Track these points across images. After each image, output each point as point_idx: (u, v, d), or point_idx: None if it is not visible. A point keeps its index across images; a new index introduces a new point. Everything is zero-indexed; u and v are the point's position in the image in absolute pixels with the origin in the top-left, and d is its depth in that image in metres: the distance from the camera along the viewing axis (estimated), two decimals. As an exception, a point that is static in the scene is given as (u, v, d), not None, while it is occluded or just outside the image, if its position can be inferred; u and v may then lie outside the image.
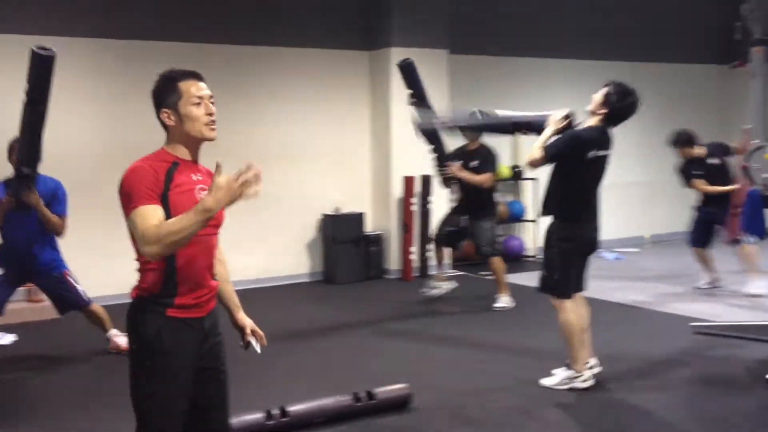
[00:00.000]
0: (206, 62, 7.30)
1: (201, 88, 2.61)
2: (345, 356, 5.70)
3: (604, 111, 4.56)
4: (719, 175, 7.30)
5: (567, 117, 4.68)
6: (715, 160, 7.39)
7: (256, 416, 4.06)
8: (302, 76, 8.57)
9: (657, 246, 10.67)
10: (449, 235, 7.37)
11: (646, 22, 10.72)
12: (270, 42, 8.35)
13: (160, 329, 2.53)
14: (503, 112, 5.26)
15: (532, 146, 4.61)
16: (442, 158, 7.17)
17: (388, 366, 5.38)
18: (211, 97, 2.63)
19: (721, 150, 7.43)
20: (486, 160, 7.07)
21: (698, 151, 7.42)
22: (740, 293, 7.34)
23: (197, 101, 2.59)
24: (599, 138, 4.60)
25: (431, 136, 6.95)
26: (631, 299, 7.33)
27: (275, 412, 4.11)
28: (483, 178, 7.00)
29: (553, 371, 4.87)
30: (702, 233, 7.57)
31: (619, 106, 4.53)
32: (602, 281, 8.10)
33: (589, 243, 4.75)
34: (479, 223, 7.13)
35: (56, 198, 5.30)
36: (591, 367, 4.80)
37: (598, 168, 4.67)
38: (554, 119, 4.66)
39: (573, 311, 4.70)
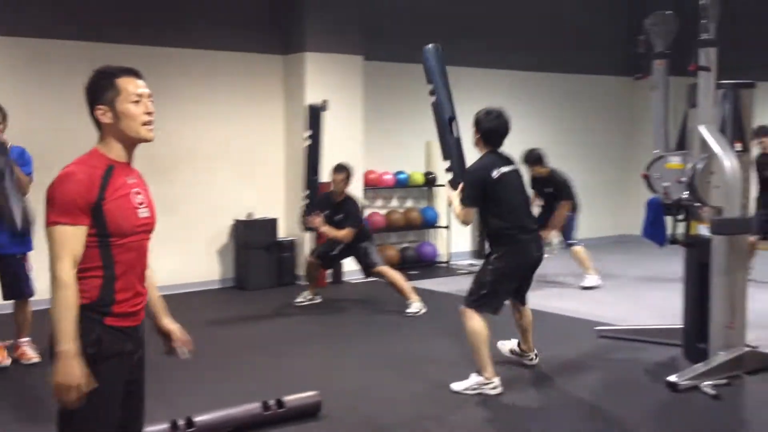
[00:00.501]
0: (118, 63, 7.09)
1: (140, 86, 2.53)
2: (255, 364, 5.62)
3: (478, 136, 4.89)
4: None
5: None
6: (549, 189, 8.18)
7: (161, 427, 3.96)
8: (215, 79, 8.43)
9: (565, 252, 10.91)
10: (329, 258, 7.50)
11: (557, 34, 10.98)
12: (183, 44, 8.19)
13: (99, 338, 2.44)
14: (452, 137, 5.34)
15: (456, 210, 4.88)
16: (311, 207, 7.28)
17: (299, 373, 5.34)
18: (150, 96, 2.56)
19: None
20: (350, 215, 7.19)
21: (545, 170, 8.14)
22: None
23: (136, 99, 2.51)
24: (493, 160, 4.84)
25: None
26: (539, 304, 7.46)
27: (181, 422, 4.02)
28: (343, 234, 7.13)
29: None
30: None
31: (487, 123, 4.84)
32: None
33: (530, 262, 4.92)
34: (357, 247, 7.29)
35: (23, 159, 5.44)
36: (531, 359, 5.33)
37: (510, 183, 4.85)
38: (453, 195, 4.94)
39: (478, 321, 4.75)
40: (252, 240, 8.40)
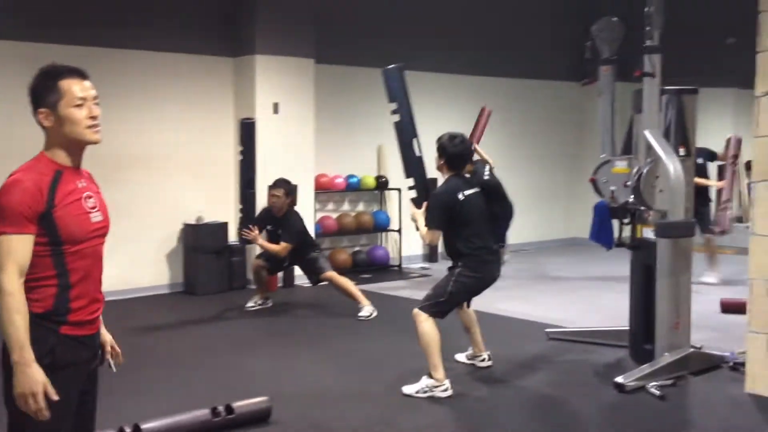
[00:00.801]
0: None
1: (85, 88, 2.46)
2: (204, 370, 5.56)
3: (442, 161, 5.00)
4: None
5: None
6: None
7: (108, 435, 3.89)
8: (164, 82, 8.34)
9: (515, 255, 11.03)
10: (276, 261, 7.44)
11: (507, 39, 11.09)
12: (132, 45, 8.07)
13: (54, 348, 2.38)
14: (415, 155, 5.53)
15: (420, 233, 5.02)
16: (246, 220, 7.30)
17: (249, 379, 5.30)
18: (95, 98, 2.48)
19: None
20: (287, 230, 7.19)
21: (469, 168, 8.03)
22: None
23: (79, 102, 2.43)
24: (458, 183, 4.96)
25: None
26: (489, 307, 7.53)
27: (128, 430, 3.96)
28: (279, 248, 7.13)
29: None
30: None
31: (452, 148, 4.96)
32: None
33: (490, 281, 5.03)
34: (304, 259, 7.32)
35: None
36: (483, 360, 5.41)
37: (475, 205, 4.95)
38: (415, 215, 5.10)
39: (432, 323, 4.82)
40: (202, 244, 8.31)
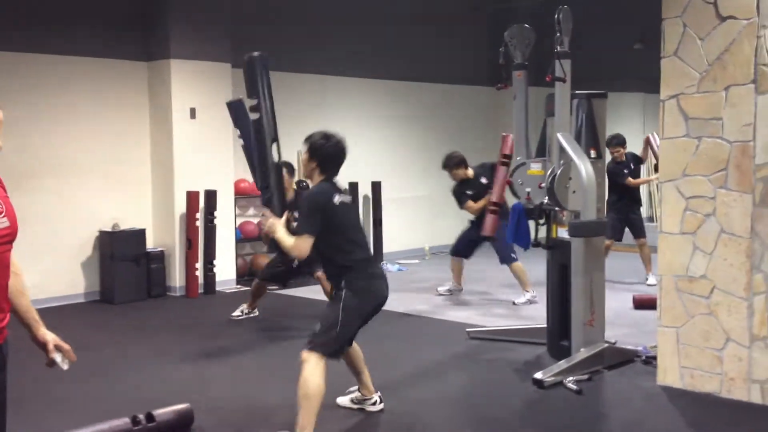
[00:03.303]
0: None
1: None
2: (124, 379, 5.45)
3: (314, 163, 4.28)
4: (487, 193, 7.71)
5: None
6: (483, 180, 7.86)
7: (23, 449, 3.78)
8: (77, 87, 8.13)
9: (436, 257, 11.18)
10: (280, 274, 7.22)
11: (424, 44, 11.23)
12: (43, 49, 7.85)
13: None
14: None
15: (285, 243, 4.18)
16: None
17: (171, 388, 5.21)
18: None
19: (488, 170, 7.91)
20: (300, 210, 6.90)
21: (468, 172, 7.92)
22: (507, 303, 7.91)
23: None
24: (331, 188, 4.26)
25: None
26: (411, 308, 7.62)
27: (45, 443, 3.86)
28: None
29: (340, 401, 4.74)
30: (465, 247, 8.11)
31: (327, 146, 4.26)
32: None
33: (381, 299, 4.30)
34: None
35: None
36: (374, 403, 4.65)
37: (352, 213, 4.44)
38: (272, 228, 4.29)
39: (320, 370, 4.07)
40: (119, 251, 8.14)
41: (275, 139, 4.58)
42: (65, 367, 2.66)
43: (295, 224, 4.37)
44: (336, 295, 4.24)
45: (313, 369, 4.04)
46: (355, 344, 4.54)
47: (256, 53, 4.62)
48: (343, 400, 4.74)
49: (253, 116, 4.59)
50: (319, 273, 7.01)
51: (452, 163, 7.93)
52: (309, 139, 4.32)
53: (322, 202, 4.17)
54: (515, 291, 8.01)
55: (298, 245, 4.11)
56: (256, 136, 4.59)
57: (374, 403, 4.67)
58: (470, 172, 7.99)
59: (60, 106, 8.02)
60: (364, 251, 4.33)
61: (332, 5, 10.01)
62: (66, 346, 2.68)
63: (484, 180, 7.86)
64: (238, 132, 4.76)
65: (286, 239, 4.18)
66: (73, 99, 8.10)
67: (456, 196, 8.02)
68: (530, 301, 7.72)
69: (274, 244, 6.93)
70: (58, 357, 2.65)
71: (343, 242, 4.22)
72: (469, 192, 7.89)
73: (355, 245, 4.25)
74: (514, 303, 7.81)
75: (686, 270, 4.91)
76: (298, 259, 4.20)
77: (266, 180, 4.47)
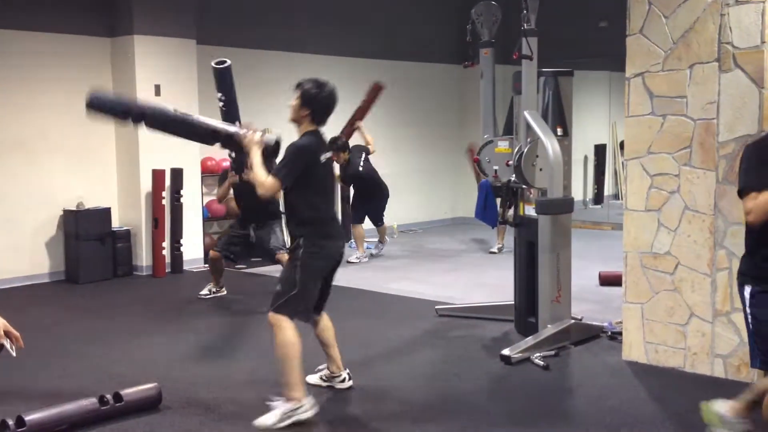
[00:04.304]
0: None
1: None
2: (90, 359, 5.40)
3: (307, 112, 4.23)
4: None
5: (271, 146, 4.35)
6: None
7: (-12, 431, 3.75)
8: (38, 62, 7.97)
9: (404, 236, 11.20)
10: (239, 251, 7.22)
11: (390, 22, 11.20)
12: (3, 25, 7.68)
13: None
14: (197, 117, 4.74)
15: (256, 175, 4.13)
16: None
17: (138, 366, 5.18)
18: None
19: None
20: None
21: (344, 156, 8.74)
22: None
23: None
24: (319, 143, 4.30)
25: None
26: (380, 286, 7.64)
27: (10, 422, 3.81)
28: (270, 181, 6.82)
29: (309, 379, 4.64)
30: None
31: (321, 97, 4.22)
32: (354, 271, 8.38)
33: (337, 257, 4.36)
34: (269, 228, 7.07)
35: None
36: (343, 380, 4.64)
37: (330, 172, 4.43)
38: (253, 141, 4.25)
39: (293, 331, 4.14)
40: (83, 231, 8.03)
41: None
42: (14, 353, 2.62)
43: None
44: (292, 254, 4.26)
45: (283, 331, 4.09)
46: (326, 317, 4.56)
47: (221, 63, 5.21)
48: (313, 378, 4.72)
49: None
50: (280, 255, 7.02)
51: (338, 147, 8.59)
52: (301, 87, 4.25)
53: (309, 157, 4.17)
54: (482, 266, 8.06)
55: (268, 184, 4.08)
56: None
57: (343, 380, 4.66)
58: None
59: (21, 83, 7.87)
60: (329, 211, 4.36)
61: (299, -19, 9.92)
62: (15, 333, 2.64)
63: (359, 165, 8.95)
64: (219, 95, 4.92)
65: (260, 169, 4.12)
66: (34, 76, 7.94)
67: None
68: (359, 259, 8.86)
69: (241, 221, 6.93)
70: (6, 343, 2.61)
71: (312, 198, 4.23)
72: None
73: (322, 203, 4.28)
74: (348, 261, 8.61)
75: (651, 247, 4.98)
76: (262, 195, 4.15)
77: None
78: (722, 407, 3.70)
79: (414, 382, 4.88)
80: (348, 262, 8.63)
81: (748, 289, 3.22)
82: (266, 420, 4.10)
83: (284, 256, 6.88)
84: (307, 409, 4.15)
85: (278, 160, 4.32)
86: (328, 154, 4.37)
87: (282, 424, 4.08)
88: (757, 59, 4.46)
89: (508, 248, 8.54)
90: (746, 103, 4.52)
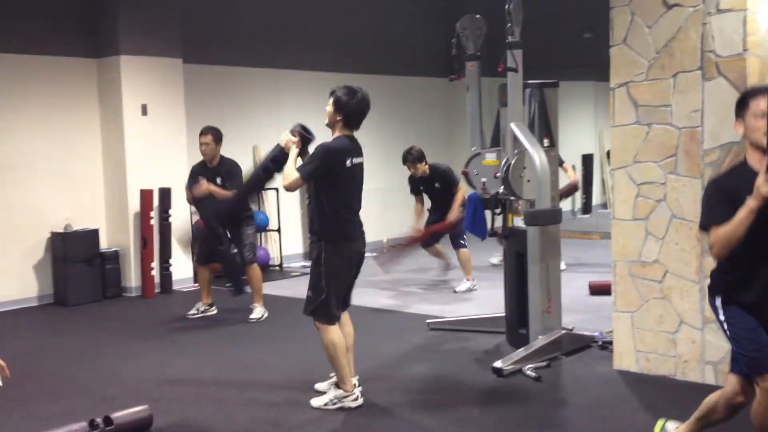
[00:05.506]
0: None
1: None
2: (80, 382, 5.36)
3: (340, 117, 4.47)
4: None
5: (300, 132, 4.67)
6: (437, 184, 8.12)
7: (-23, 457, 3.71)
8: (24, 85, 7.94)
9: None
10: (216, 253, 7.12)
11: (378, 37, 11.23)
12: (-14, 47, 7.69)
13: None
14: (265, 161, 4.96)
15: (288, 167, 4.48)
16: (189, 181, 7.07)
17: (128, 388, 5.14)
18: None
19: (440, 175, 8.19)
20: (231, 175, 6.93)
21: (426, 168, 8.08)
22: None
23: None
24: (351, 145, 4.52)
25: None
26: (371, 302, 7.62)
27: (-1, 450, 3.78)
28: (232, 194, 6.74)
29: (318, 386, 4.85)
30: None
31: (353, 104, 4.45)
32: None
33: (357, 257, 4.61)
34: (241, 231, 7.00)
35: None
36: (355, 386, 4.75)
37: (357, 176, 4.59)
38: (289, 140, 4.62)
39: (335, 332, 4.51)
40: (72, 253, 7.99)
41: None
42: (0, 382, 2.60)
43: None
44: (317, 256, 4.52)
45: (326, 333, 4.48)
46: (350, 323, 4.78)
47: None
48: (322, 385, 4.85)
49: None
50: (255, 266, 7.02)
51: (413, 158, 8.04)
52: (334, 93, 4.51)
53: (334, 159, 4.42)
54: (476, 279, 8.05)
55: (291, 178, 4.42)
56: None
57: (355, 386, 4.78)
58: (427, 168, 8.09)
59: (7, 105, 7.85)
60: (351, 214, 4.55)
61: (283, -2, 9.95)
62: (1, 362, 2.62)
63: (437, 185, 8.09)
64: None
65: (292, 165, 4.49)
66: (20, 98, 7.93)
67: (412, 184, 8.31)
68: (470, 289, 7.90)
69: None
70: None
71: (335, 200, 4.46)
72: (422, 188, 8.17)
73: (344, 206, 4.49)
74: (455, 291, 7.96)
75: (639, 255, 4.99)
76: (285, 188, 4.49)
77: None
78: (672, 428, 3.75)
79: (406, 396, 4.86)
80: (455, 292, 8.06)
81: (718, 300, 3.31)
82: (318, 401, 4.61)
83: (256, 270, 7.02)
84: (355, 398, 4.59)
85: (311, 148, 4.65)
86: (360, 159, 4.57)
87: (330, 407, 4.56)
88: (740, 67, 4.50)
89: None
90: (730, 110, 4.51)
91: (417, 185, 8.25)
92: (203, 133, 7.05)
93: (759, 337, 3.17)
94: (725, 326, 3.29)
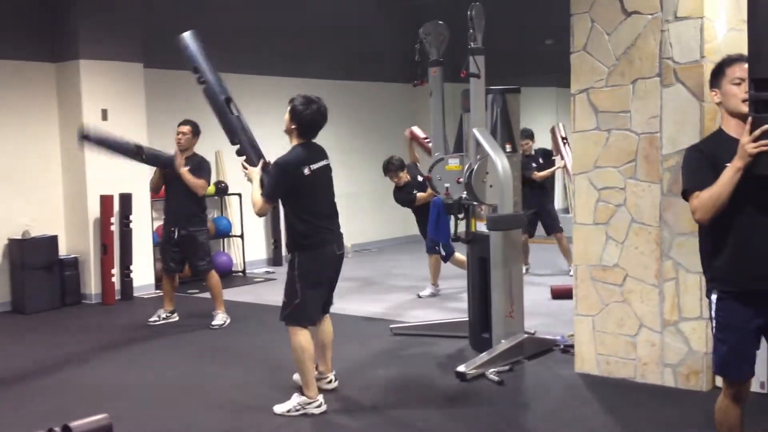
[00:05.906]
0: None
1: None
2: (38, 391, 5.27)
3: (294, 126, 4.56)
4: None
5: (263, 163, 4.76)
6: (420, 177, 7.98)
7: (-70, 469, 3.62)
8: (-21, 89, 7.83)
9: (358, 255, 11.19)
10: (176, 261, 7.07)
11: (342, 43, 11.22)
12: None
13: None
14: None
15: (254, 195, 4.56)
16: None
17: (89, 397, 5.07)
18: None
19: (413, 168, 8.12)
20: (201, 168, 6.89)
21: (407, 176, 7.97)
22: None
23: None
24: (307, 153, 4.56)
25: None
26: (334, 307, 7.57)
27: (-47, 462, 3.70)
28: (200, 182, 6.80)
29: (296, 377, 4.85)
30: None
31: (307, 114, 4.52)
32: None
33: (333, 261, 4.67)
34: (195, 237, 6.95)
35: None
36: (330, 381, 4.95)
37: (321, 181, 4.62)
38: (254, 173, 4.68)
39: (305, 335, 4.55)
40: (29, 260, 7.86)
41: (229, 98, 5.09)
42: None
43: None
44: (290, 263, 4.58)
45: (295, 337, 4.52)
46: (329, 321, 4.91)
47: (186, 32, 5.31)
48: (297, 377, 4.88)
49: (202, 86, 5.19)
50: (213, 273, 6.98)
51: (394, 167, 7.95)
52: (292, 102, 4.58)
53: (290, 171, 4.46)
54: (440, 284, 8.07)
55: (260, 203, 4.51)
56: (210, 102, 5.12)
57: (329, 382, 4.95)
58: (409, 177, 8.00)
59: (-38, 110, 7.71)
60: (323, 218, 4.60)
61: (247, 2, 9.89)
62: None
63: (420, 178, 7.98)
64: (197, 75, 5.06)
65: (257, 192, 4.56)
66: (-24, 102, 7.79)
67: (402, 200, 8.06)
68: (434, 294, 7.95)
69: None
70: None
71: (302, 209, 4.52)
72: (416, 191, 7.94)
73: (313, 214, 4.53)
74: (419, 296, 7.98)
75: (600, 259, 5.04)
76: (257, 214, 4.63)
77: (234, 135, 4.93)
78: None
79: (369, 402, 4.85)
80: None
81: (714, 295, 3.23)
82: (281, 407, 4.57)
83: (214, 277, 6.98)
84: (318, 405, 4.57)
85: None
86: (322, 163, 4.61)
87: (293, 414, 4.53)
88: (697, 74, 4.57)
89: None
90: (688, 116, 4.62)
91: (401, 197, 8.05)
92: (182, 123, 7.03)
93: (739, 344, 3.13)
94: (713, 323, 3.25)
